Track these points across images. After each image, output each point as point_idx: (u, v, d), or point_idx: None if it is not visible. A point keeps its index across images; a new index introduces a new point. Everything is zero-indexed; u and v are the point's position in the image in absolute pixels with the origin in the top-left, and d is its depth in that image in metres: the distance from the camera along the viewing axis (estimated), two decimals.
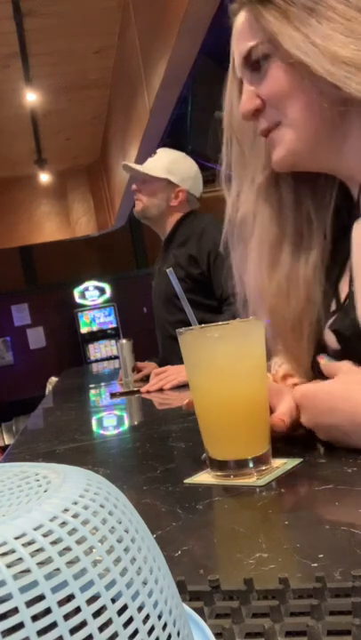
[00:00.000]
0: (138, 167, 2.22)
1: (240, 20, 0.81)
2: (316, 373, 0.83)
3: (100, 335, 8.38)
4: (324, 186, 0.86)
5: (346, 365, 0.72)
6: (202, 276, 2.12)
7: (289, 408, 0.74)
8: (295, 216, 0.86)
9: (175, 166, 2.24)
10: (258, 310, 0.88)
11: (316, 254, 0.84)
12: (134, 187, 2.25)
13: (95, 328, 8.43)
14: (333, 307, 0.83)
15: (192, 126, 5.00)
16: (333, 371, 0.72)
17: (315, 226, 0.85)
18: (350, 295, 0.78)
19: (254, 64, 0.79)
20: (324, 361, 0.80)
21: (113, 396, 1.91)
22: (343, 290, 0.82)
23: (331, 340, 0.82)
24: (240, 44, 0.81)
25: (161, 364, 2.05)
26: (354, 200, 0.82)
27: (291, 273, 0.85)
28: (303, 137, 0.78)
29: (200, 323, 0.77)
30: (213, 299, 2.11)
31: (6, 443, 6.72)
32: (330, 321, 0.82)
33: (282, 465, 0.70)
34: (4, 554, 0.20)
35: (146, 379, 2.06)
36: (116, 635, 0.21)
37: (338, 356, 0.80)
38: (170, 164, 2.23)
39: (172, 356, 2.08)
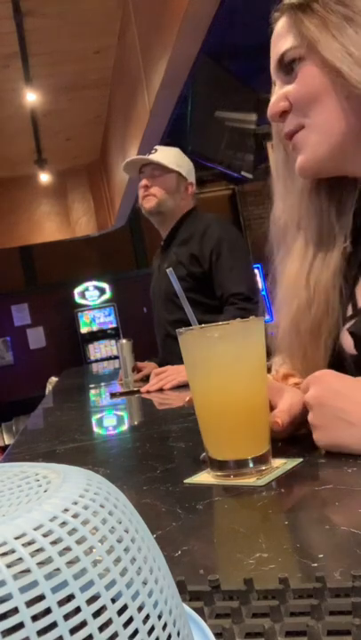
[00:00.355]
0: (153, 159, 2.20)
1: (280, 24, 0.84)
2: None
3: (100, 335, 8.38)
4: (348, 191, 0.87)
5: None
6: (203, 275, 2.12)
7: (289, 406, 0.74)
8: (318, 222, 0.88)
9: (181, 160, 2.25)
10: (284, 314, 0.89)
11: (335, 260, 0.85)
12: (145, 182, 2.21)
13: (95, 328, 8.43)
14: (350, 311, 0.83)
15: (192, 126, 5.00)
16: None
17: (336, 231, 0.86)
18: None
19: (288, 67, 0.82)
20: None
21: (113, 395, 1.91)
22: (360, 293, 0.83)
23: (348, 343, 0.82)
24: (276, 47, 0.83)
25: (161, 364, 2.05)
26: None
27: (313, 279, 0.86)
28: (326, 142, 0.80)
29: (200, 323, 0.76)
30: (214, 298, 2.11)
31: (6, 443, 6.72)
32: (348, 324, 0.82)
33: (282, 465, 0.70)
34: (4, 554, 0.20)
35: (146, 379, 2.06)
36: (116, 635, 0.21)
37: (354, 360, 0.80)
38: (176, 157, 2.24)
39: (172, 356, 2.08)
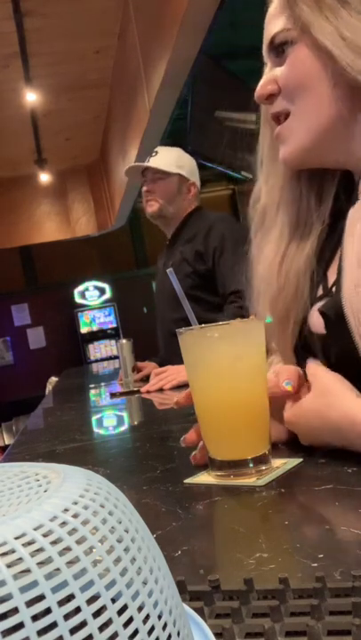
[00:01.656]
0: (152, 165, 2.20)
1: (274, 5, 0.82)
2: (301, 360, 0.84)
3: (100, 335, 8.38)
4: (328, 179, 0.86)
5: (318, 372, 0.72)
6: (208, 272, 2.12)
7: (295, 371, 0.74)
8: (296, 208, 0.87)
9: (182, 161, 2.24)
10: (261, 300, 0.88)
11: (310, 245, 0.85)
12: (146, 188, 2.22)
13: (95, 328, 8.42)
14: (321, 292, 0.83)
15: (192, 126, 5.00)
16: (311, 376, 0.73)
17: (314, 217, 0.85)
18: (338, 277, 0.78)
19: (279, 48, 0.80)
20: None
21: (113, 395, 1.91)
22: (331, 276, 0.82)
23: (317, 323, 0.81)
24: (268, 28, 0.82)
25: (162, 364, 2.05)
26: (356, 187, 0.83)
27: (286, 266, 0.86)
28: (311, 130, 0.79)
29: (204, 321, 0.76)
30: (219, 296, 2.12)
31: (6, 443, 6.72)
32: (318, 304, 0.81)
33: (282, 465, 0.70)
34: (4, 554, 0.20)
35: (146, 379, 2.06)
36: (116, 635, 0.21)
37: (322, 340, 0.79)
38: (177, 159, 2.23)
39: (174, 355, 2.07)
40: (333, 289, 0.79)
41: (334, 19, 0.74)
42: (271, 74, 0.82)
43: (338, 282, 0.76)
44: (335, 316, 0.74)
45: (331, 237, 0.84)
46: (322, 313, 0.78)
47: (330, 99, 0.76)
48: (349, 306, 0.72)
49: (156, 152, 2.23)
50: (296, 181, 0.87)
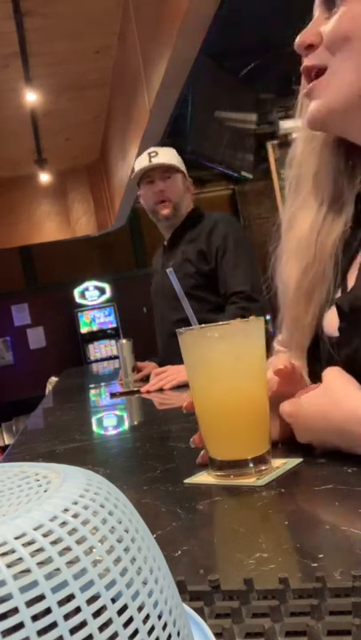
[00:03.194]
0: (165, 161, 2.17)
1: None
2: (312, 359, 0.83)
3: (100, 335, 8.38)
4: (359, 169, 0.84)
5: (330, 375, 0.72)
6: (211, 272, 2.12)
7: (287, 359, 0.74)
8: (334, 183, 0.84)
9: (179, 159, 2.24)
10: (289, 267, 0.86)
11: (342, 223, 0.82)
12: (160, 187, 2.18)
13: (95, 328, 8.42)
14: (339, 294, 0.82)
15: (192, 126, 5.00)
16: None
17: (344, 202, 0.83)
18: (359, 276, 0.77)
19: (331, 2, 0.77)
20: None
21: (113, 395, 1.91)
22: (351, 278, 0.81)
23: (331, 324, 0.80)
24: None
25: (162, 364, 2.05)
26: None
27: (320, 241, 0.83)
28: (346, 90, 0.76)
29: (207, 321, 0.76)
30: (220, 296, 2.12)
31: (6, 443, 6.72)
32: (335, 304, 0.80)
33: (282, 465, 0.70)
34: (4, 554, 0.20)
35: (146, 379, 2.06)
36: (116, 635, 0.21)
37: (336, 342, 0.79)
38: (176, 157, 2.23)
39: (174, 355, 2.07)
40: (352, 291, 0.78)
41: None
42: (317, 25, 0.78)
43: (358, 280, 0.75)
44: (350, 310, 0.74)
45: (352, 239, 0.83)
46: (338, 308, 0.77)
47: None
48: None
49: (156, 152, 2.21)
50: (336, 156, 0.84)
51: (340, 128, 0.81)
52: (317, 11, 0.80)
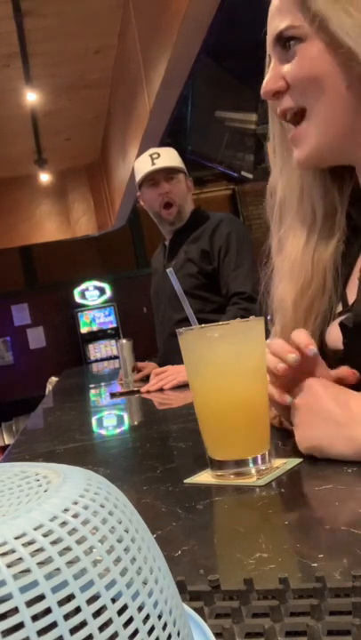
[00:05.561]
0: (169, 164, 2.14)
1: None
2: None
3: (100, 335, 8.38)
4: (349, 181, 0.84)
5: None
6: (214, 271, 2.12)
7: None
8: (326, 198, 0.84)
9: (180, 158, 2.21)
10: (286, 292, 0.86)
11: (336, 239, 0.82)
12: (166, 189, 2.14)
13: (95, 328, 8.42)
14: (340, 308, 0.82)
15: (192, 126, 5.00)
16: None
17: (337, 218, 0.83)
18: (359, 292, 0.77)
19: (286, 43, 0.76)
20: None
21: (113, 395, 1.91)
22: (351, 293, 0.81)
23: (334, 338, 0.80)
24: (275, 20, 0.77)
25: (162, 364, 2.05)
26: None
27: (317, 256, 0.83)
28: (328, 132, 0.76)
29: (209, 322, 0.76)
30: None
31: (6, 443, 6.72)
32: (337, 320, 0.80)
33: (282, 465, 0.70)
34: (4, 554, 0.20)
35: (146, 379, 2.06)
36: (116, 635, 0.21)
37: (339, 357, 0.79)
38: (177, 156, 2.20)
39: (175, 355, 2.07)
40: (354, 305, 0.78)
41: (354, 10, 0.68)
42: (278, 70, 0.77)
43: (359, 296, 0.75)
44: (355, 325, 0.73)
45: (349, 254, 0.83)
46: (342, 325, 0.77)
47: (344, 98, 0.73)
48: None
49: (158, 154, 2.17)
50: (320, 172, 0.84)
51: (330, 161, 0.81)
52: (273, 54, 0.79)
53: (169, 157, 2.16)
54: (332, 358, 0.78)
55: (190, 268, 2.13)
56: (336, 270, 0.82)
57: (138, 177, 2.19)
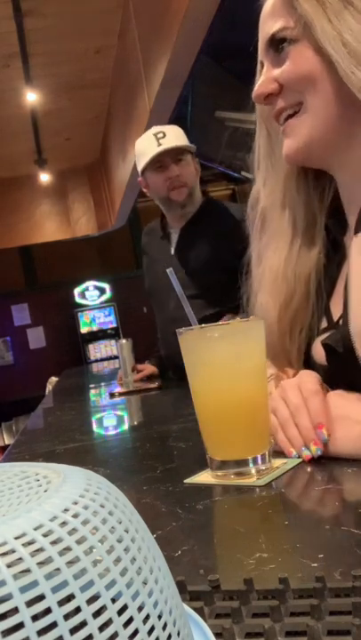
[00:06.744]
0: (179, 143, 1.90)
1: (270, 2, 0.79)
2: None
3: (100, 335, 8.38)
4: (328, 191, 0.85)
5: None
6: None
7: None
8: (305, 208, 0.85)
9: (186, 137, 1.98)
10: (269, 304, 0.86)
11: (318, 249, 0.83)
12: (175, 172, 1.90)
13: (95, 328, 8.42)
14: (325, 324, 0.82)
15: (192, 126, 5.00)
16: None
17: (317, 229, 0.84)
18: (345, 310, 0.77)
19: (279, 46, 0.77)
20: None
21: (113, 395, 1.91)
22: (335, 308, 0.81)
23: (320, 354, 0.80)
24: (267, 25, 0.78)
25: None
26: (347, 217, 0.82)
27: (298, 269, 0.83)
28: (321, 127, 0.76)
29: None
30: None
31: (6, 443, 6.72)
32: (322, 336, 0.80)
33: (282, 465, 0.70)
34: (4, 554, 0.20)
35: (146, 379, 2.08)
36: (116, 635, 0.21)
37: (325, 371, 0.78)
38: (184, 135, 1.97)
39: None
40: (340, 322, 0.78)
41: (337, 21, 0.70)
42: (270, 73, 0.79)
43: (345, 316, 0.75)
44: (344, 349, 0.73)
45: (330, 267, 0.83)
46: (326, 345, 0.77)
47: (337, 95, 0.74)
48: (360, 341, 0.71)
49: (163, 133, 1.91)
50: (303, 181, 0.85)
51: (316, 161, 0.82)
52: (266, 59, 0.80)
53: (175, 136, 1.91)
54: (320, 372, 0.78)
55: (219, 264, 1.88)
56: (319, 282, 0.83)
57: (142, 160, 1.94)
